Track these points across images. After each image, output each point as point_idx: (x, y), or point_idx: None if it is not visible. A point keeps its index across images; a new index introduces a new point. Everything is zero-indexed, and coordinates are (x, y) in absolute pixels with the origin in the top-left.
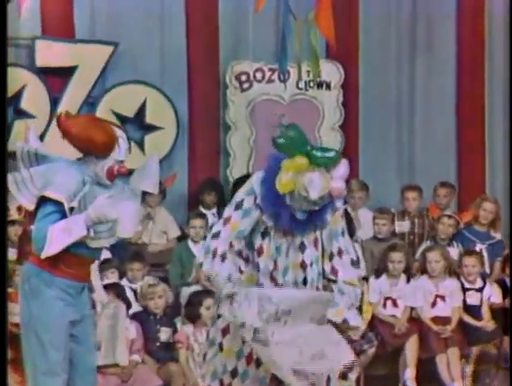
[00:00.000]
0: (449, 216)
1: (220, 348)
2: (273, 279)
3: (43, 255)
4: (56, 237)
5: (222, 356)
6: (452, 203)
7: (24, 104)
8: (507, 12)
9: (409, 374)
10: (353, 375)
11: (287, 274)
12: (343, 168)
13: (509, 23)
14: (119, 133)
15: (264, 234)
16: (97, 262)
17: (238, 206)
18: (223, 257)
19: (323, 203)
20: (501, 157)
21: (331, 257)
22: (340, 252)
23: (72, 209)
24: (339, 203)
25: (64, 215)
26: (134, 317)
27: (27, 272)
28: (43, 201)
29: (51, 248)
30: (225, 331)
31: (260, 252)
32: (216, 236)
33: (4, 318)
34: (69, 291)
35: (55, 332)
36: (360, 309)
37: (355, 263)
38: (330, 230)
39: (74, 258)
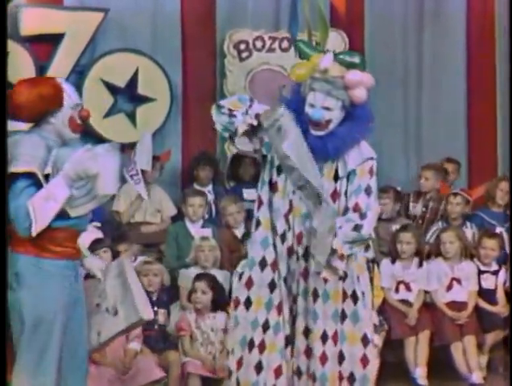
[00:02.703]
0: (455, 194)
1: (249, 303)
2: (287, 221)
3: (34, 232)
4: (41, 209)
5: (252, 311)
6: (461, 181)
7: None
8: None
9: (420, 373)
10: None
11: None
12: (367, 75)
13: None
14: (57, 79)
15: (280, 169)
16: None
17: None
18: None
19: (337, 91)
20: None
21: (345, 212)
22: (356, 209)
23: (47, 176)
24: (368, 153)
25: (39, 186)
26: None
27: (12, 263)
28: (12, 178)
29: (41, 221)
30: (248, 284)
31: (275, 189)
32: None
33: (4, 317)
34: (64, 273)
35: (49, 325)
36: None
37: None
38: (353, 184)
39: (59, 233)
